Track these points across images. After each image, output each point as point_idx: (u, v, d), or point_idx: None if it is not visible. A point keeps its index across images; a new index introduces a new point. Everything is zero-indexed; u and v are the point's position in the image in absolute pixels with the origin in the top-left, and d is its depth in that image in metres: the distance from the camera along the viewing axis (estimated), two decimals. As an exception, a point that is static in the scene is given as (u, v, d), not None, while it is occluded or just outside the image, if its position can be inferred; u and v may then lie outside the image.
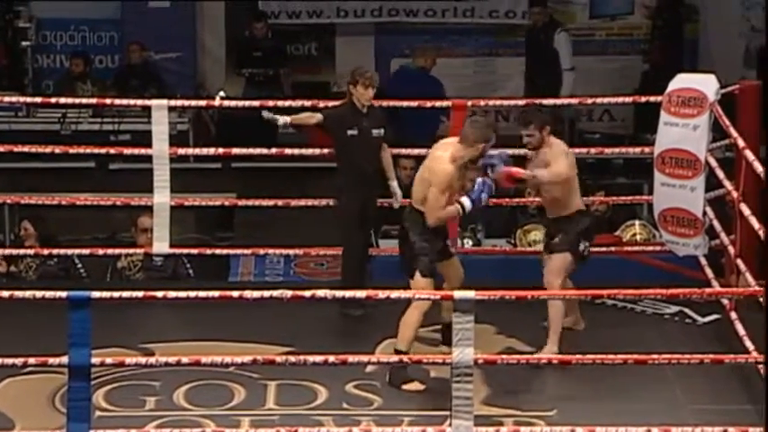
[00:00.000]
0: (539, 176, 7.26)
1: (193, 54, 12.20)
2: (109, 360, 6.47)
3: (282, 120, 7.92)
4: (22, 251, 8.78)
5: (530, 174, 7.23)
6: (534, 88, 10.41)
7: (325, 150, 8.65)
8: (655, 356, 6.39)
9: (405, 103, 8.49)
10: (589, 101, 8.84)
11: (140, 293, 6.31)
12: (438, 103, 8.85)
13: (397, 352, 6.86)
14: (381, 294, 6.41)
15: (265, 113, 7.99)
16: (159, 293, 6.29)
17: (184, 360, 6.36)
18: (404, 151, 8.39)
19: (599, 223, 9.54)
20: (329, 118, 7.86)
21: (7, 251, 8.85)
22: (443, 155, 6.91)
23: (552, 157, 7.31)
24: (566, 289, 7.33)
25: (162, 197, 8.20)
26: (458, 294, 6.17)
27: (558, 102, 9.38)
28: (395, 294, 6.45)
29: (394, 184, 7.86)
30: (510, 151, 7.31)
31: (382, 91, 8.18)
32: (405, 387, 6.82)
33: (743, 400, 6.75)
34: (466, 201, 6.89)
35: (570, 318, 7.45)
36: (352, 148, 7.73)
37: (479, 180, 6.93)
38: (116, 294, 6.24)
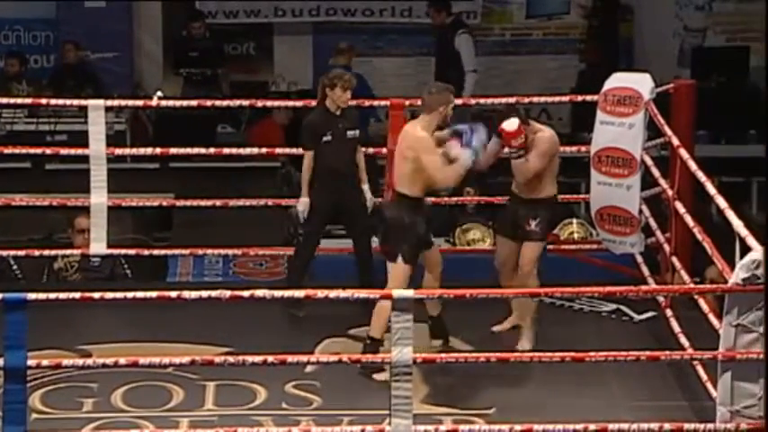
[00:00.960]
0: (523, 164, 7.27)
1: (130, 54, 12.13)
2: (45, 362, 6.41)
3: (303, 204, 7.81)
4: (-44, 253, 8.70)
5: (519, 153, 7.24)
6: None
7: (264, 150, 8.64)
8: (592, 354, 6.44)
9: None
10: (526, 100, 8.88)
11: (77, 295, 6.25)
12: (376, 103, 8.87)
13: (371, 339, 6.95)
14: (320, 294, 6.41)
15: (295, 215, 7.96)
16: (96, 294, 6.25)
17: (122, 361, 6.32)
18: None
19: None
20: (306, 132, 7.81)
21: (-58, 253, 8.76)
22: (413, 129, 7.06)
23: (535, 146, 7.26)
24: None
25: (99, 198, 8.15)
26: (396, 293, 6.18)
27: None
28: (333, 294, 6.45)
29: (365, 187, 7.84)
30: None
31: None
32: (375, 376, 6.85)
33: (678, 396, 6.82)
34: (463, 152, 6.91)
35: (515, 316, 7.49)
36: (325, 153, 7.72)
37: (463, 128, 7.00)
38: (53, 296, 6.19)
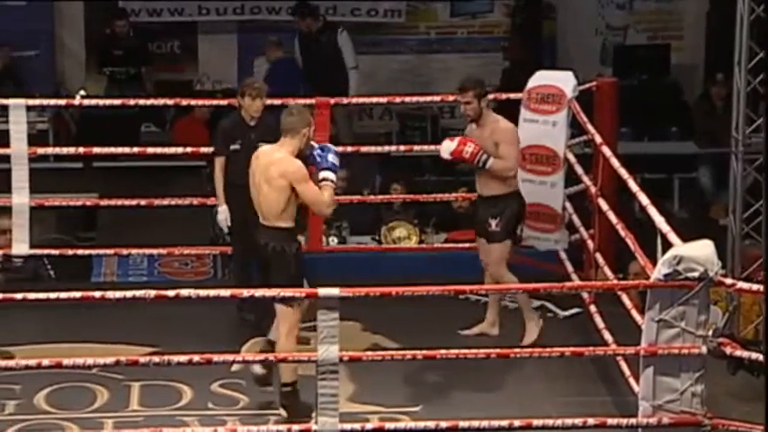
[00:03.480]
0: (489, 167, 7.23)
1: (52, 52, 12.02)
2: (-33, 364, 6.35)
3: (223, 212, 7.73)
4: None
5: (482, 159, 7.20)
6: (316, 89, 10.38)
7: (189, 149, 8.60)
8: (517, 350, 6.48)
9: (268, 102, 8.44)
10: (451, 98, 8.91)
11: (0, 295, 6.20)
12: (301, 101, 8.83)
13: (285, 385, 6.57)
14: (246, 293, 6.40)
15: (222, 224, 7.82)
16: (19, 295, 6.19)
17: (45, 362, 6.25)
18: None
19: (462, 219, 9.67)
20: (216, 137, 7.77)
21: None
22: (282, 156, 6.59)
23: (504, 141, 7.27)
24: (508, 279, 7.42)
25: (21, 198, 8.08)
26: (322, 291, 6.18)
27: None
28: (259, 293, 6.43)
29: None
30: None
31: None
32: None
33: (602, 391, 6.89)
34: (329, 174, 6.58)
35: (487, 321, 7.51)
36: (232, 162, 7.66)
37: (315, 151, 6.63)
38: (-26, 297, 6.13)
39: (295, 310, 6.54)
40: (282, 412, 6.57)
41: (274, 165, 6.55)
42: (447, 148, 7.31)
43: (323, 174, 6.57)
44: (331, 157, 6.59)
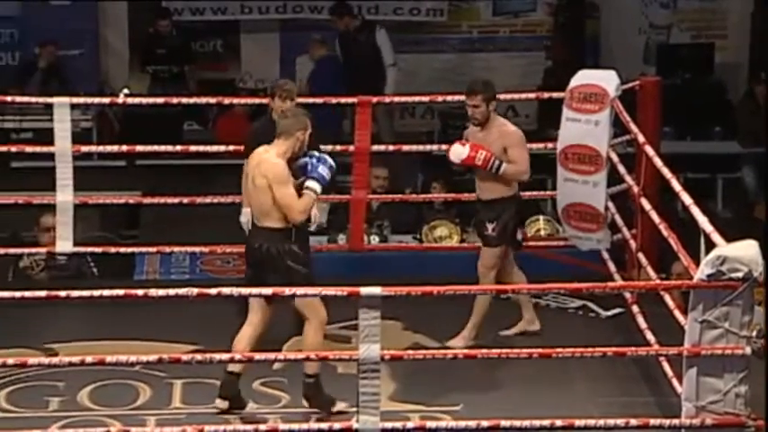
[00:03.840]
0: (503, 172, 7.20)
1: (96, 51, 12.10)
2: (11, 361, 6.38)
3: (246, 215, 7.67)
4: None
5: (495, 164, 7.17)
6: (356, 88, 10.39)
7: (231, 147, 8.63)
8: (559, 350, 6.45)
9: (310, 100, 8.48)
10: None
11: (43, 293, 6.23)
12: (343, 100, 8.86)
13: (308, 376, 6.65)
14: (288, 291, 6.41)
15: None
16: (63, 293, 6.22)
17: (89, 359, 6.28)
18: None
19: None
20: (247, 140, 7.72)
21: None
22: (268, 156, 6.60)
23: (513, 145, 7.24)
24: (518, 280, 7.38)
25: (65, 195, 8.12)
26: (364, 290, 6.18)
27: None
28: (300, 292, 6.44)
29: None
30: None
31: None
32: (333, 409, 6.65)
33: (645, 392, 6.86)
34: (313, 184, 6.55)
35: (525, 319, 7.48)
36: None
37: (311, 159, 6.61)
38: (18, 294, 6.16)
39: (318, 307, 6.56)
40: (304, 403, 6.58)
41: (260, 164, 6.59)
42: (458, 153, 7.25)
43: (307, 182, 6.56)
44: (321, 169, 6.57)
